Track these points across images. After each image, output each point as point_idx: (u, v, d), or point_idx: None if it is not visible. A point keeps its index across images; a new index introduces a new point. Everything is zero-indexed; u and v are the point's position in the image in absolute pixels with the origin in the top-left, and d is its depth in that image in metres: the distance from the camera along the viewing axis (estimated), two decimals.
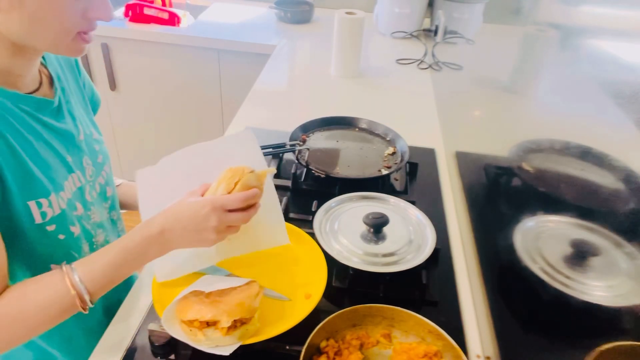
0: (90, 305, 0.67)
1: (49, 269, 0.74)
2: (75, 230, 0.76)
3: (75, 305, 0.66)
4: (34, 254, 0.71)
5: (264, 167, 0.77)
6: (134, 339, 0.77)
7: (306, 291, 0.81)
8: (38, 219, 0.69)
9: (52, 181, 0.70)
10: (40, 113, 0.71)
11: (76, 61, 0.87)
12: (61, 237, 0.73)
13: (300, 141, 1.23)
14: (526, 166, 0.81)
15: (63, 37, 0.64)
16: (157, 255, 0.70)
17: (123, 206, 0.98)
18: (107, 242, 0.87)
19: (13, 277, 0.71)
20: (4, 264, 0.66)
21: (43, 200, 0.69)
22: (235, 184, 0.71)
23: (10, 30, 0.62)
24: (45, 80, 0.76)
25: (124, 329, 0.79)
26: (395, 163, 1.19)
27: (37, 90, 0.73)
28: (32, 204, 0.67)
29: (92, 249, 0.82)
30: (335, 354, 0.71)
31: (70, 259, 0.76)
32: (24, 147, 0.67)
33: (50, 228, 0.71)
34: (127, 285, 0.89)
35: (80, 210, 0.78)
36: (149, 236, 0.68)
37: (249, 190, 0.70)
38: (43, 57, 0.78)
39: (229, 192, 0.71)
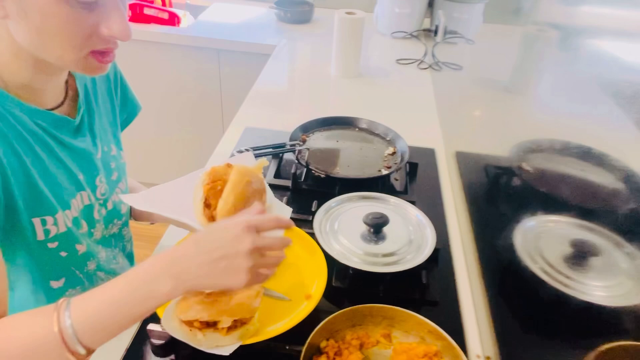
0: (82, 353, 0.55)
1: (47, 285, 0.73)
2: (81, 248, 0.75)
3: (64, 351, 0.54)
4: (33, 269, 0.71)
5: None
6: (134, 339, 0.76)
7: (306, 291, 0.81)
8: (41, 236, 0.68)
9: (60, 199, 0.69)
10: (57, 130, 0.70)
11: (115, 74, 0.85)
12: (63, 254, 0.72)
13: (300, 141, 1.23)
14: (526, 166, 0.81)
15: (72, 53, 0.60)
16: (169, 292, 0.55)
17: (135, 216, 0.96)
18: (111, 258, 0.86)
19: (11, 290, 0.71)
20: (3, 289, 0.62)
21: (48, 218, 0.68)
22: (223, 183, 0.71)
23: (21, 39, 0.60)
24: (70, 95, 0.75)
25: None
26: (395, 163, 1.19)
27: (59, 106, 0.72)
28: (36, 221, 0.66)
29: (98, 265, 0.81)
30: (335, 354, 0.71)
31: (70, 275, 0.76)
32: (35, 164, 0.65)
33: (52, 245, 0.70)
34: None
35: (84, 228, 0.76)
36: (158, 264, 0.56)
37: (274, 216, 0.63)
38: None
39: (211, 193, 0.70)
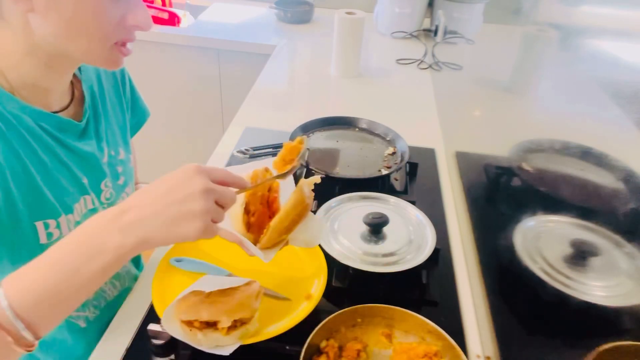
0: (30, 339, 0.47)
1: None
2: None
3: (7, 341, 0.45)
4: None
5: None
6: (134, 339, 0.76)
7: (306, 291, 0.81)
8: (43, 240, 0.67)
9: (63, 203, 0.69)
10: (62, 133, 0.69)
11: (123, 76, 0.85)
12: None
13: None
14: (526, 166, 0.81)
15: (99, 45, 0.62)
16: (118, 245, 0.49)
17: None
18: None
19: None
20: None
21: (51, 222, 0.67)
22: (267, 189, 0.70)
23: (46, 33, 0.60)
24: (77, 97, 0.74)
25: (124, 329, 0.78)
26: (395, 163, 1.19)
27: (65, 108, 0.72)
28: (39, 224, 0.66)
29: None
30: (335, 354, 0.71)
31: None
32: (38, 167, 0.65)
33: None
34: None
35: None
36: (106, 216, 0.51)
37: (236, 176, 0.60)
38: (80, 71, 0.76)
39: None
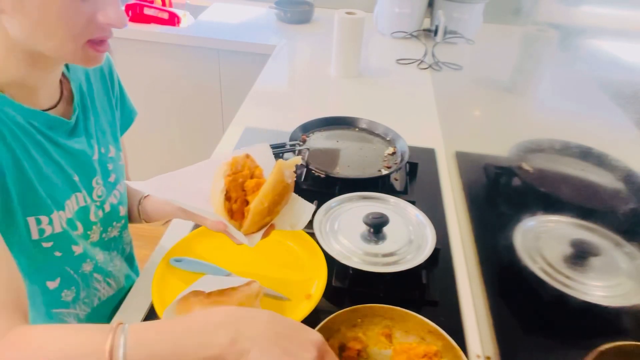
0: None
1: (44, 285, 0.73)
2: (77, 249, 0.75)
3: None
4: (29, 270, 0.70)
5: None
6: None
7: (306, 291, 0.81)
8: (35, 235, 0.67)
9: (54, 200, 0.69)
10: (52, 131, 0.69)
11: (111, 74, 0.84)
12: (57, 254, 0.72)
13: (300, 141, 1.23)
14: (526, 166, 0.81)
15: (70, 44, 0.60)
16: (224, 345, 0.50)
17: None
18: (109, 260, 0.85)
19: None
20: (18, 277, 0.57)
21: (43, 218, 0.67)
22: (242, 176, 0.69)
23: (17, 34, 0.59)
24: (65, 95, 0.74)
25: None
26: (395, 163, 1.19)
27: (54, 106, 0.71)
28: (31, 220, 0.66)
29: (95, 267, 0.80)
30: (335, 354, 0.70)
31: (65, 276, 0.75)
32: (30, 164, 0.65)
33: (47, 245, 0.69)
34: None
35: (80, 230, 0.75)
36: (228, 315, 0.54)
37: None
38: (68, 69, 0.76)
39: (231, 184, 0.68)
